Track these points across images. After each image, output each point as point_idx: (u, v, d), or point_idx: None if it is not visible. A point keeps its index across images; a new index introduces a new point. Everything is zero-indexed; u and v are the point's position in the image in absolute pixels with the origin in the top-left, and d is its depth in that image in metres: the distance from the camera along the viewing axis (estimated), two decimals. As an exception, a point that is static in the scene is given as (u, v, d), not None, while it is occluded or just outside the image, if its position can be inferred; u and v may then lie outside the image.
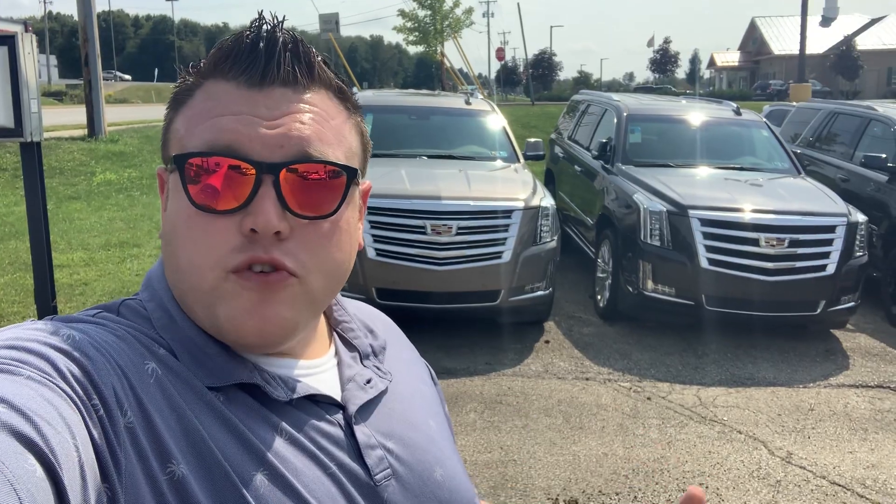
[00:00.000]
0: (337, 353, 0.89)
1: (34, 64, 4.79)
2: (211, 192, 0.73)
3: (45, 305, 4.84)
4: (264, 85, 0.76)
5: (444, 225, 5.61)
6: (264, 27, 0.77)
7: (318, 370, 0.84)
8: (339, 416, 0.81)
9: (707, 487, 3.93)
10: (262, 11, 0.79)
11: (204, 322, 0.76)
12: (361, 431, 0.81)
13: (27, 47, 4.60)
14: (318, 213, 0.76)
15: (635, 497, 3.82)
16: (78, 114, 17.60)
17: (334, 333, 0.92)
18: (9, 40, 4.50)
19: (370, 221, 5.61)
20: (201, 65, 0.80)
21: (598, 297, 6.85)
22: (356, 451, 0.79)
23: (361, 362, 0.90)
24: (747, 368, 5.63)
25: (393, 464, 0.81)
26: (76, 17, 14.85)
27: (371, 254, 5.58)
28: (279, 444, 0.74)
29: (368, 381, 0.87)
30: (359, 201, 0.85)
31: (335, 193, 0.77)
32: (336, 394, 0.83)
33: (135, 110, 30.87)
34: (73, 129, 16.09)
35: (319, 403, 0.80)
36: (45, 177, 4.90)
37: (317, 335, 0.86)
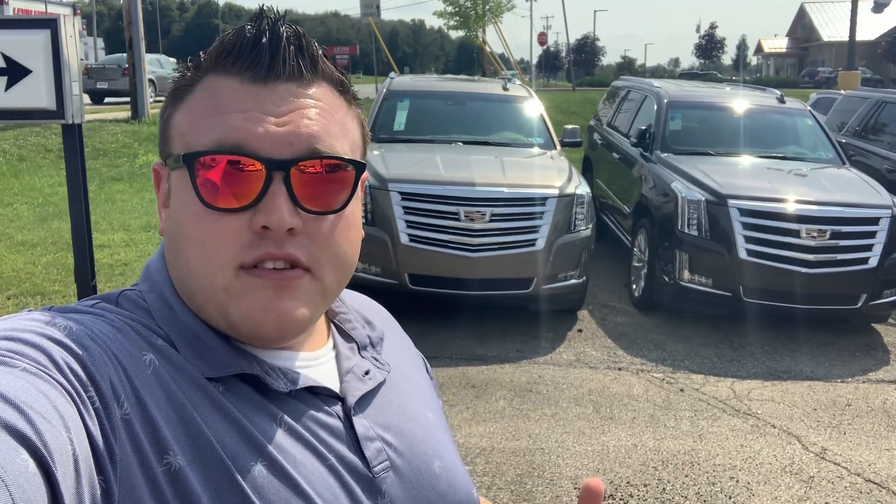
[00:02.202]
0: (335, 344, 0.89)
1: (76, 46, 4.86)
2: (221, 191, 0.73)
3: (85, 285, 4.93)
4: (269, 80, 0.75)
5: (477, 211, 5.59)
6: (266, 21, 0.76)
7: (317, 362, 0.84)
8: (338, 408, 0.81)
9: (738, 481, 3.88)
10: (263, 5, 0.79)
11: (217, 320, 0.76)
12: (360, 423, 0.81)
13: (69, 30, 4.67)
14: (329, 209, 0.76)
15: (664, 489, 3.79)
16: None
17: (332, 325, 0.92)
18: (51, 23, 4.58)
19: (404, 207, 5.61)
20: (201, 59, 0.79)
21: (634, 286, 6.78)
22: (355, 443, 0.79)
23: (359, 353, 0.90)
24: (784, 362, 5.53)
25: (391, 456, 0.81)
26: (122, 0, 15.05)
27: (404, 240, 5.59)
28: (278, 434, 0.74)
29: (367, 373, 0.87)
30: (360, 192, 0.85)
31: (344, 188, 0.78)
32: (335, 385, 0.83)
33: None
34: (118, 112, 16.36)
35: (318, 395, 0.80)
36: (88, 158, 5.00)
37: (316, 327, 0.86)
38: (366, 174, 0.88)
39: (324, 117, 0.77)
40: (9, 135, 13.14)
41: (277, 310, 0.74)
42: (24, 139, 13.05)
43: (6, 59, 4.52)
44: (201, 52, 0.80)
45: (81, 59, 5.10)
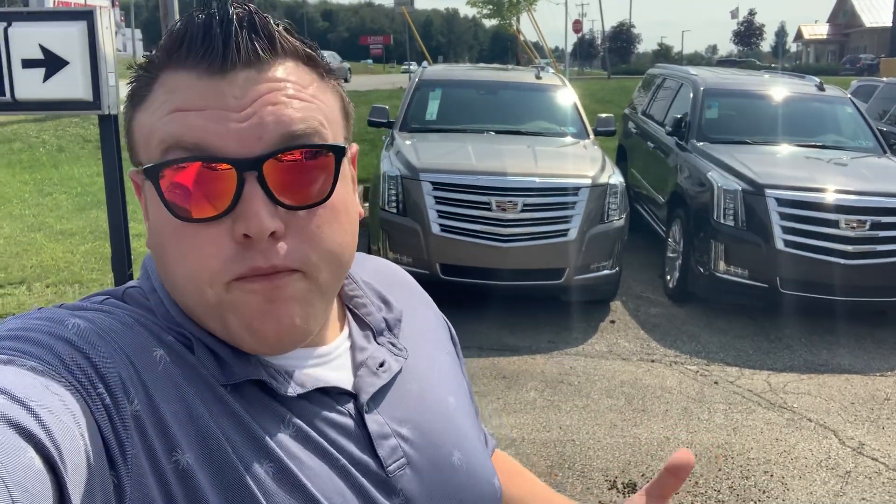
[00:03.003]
0: (350, 333, 0.85)
1: (112, 38, 4.92)
2: (192, 202, 0.68)
3: (122, 274, 5.00)
4: (226, 70, 0.69)
5: (509, 201, 5.56)
6: (215, 3, 0.70)
7: (329, 357, 0.81)
8: (350, 406, 0.78)
9: (773, 476, 3.83)
10: None
11: (218, 331, 0.73)
12: (374, 420, 0.79)
13: (105, 21, 4.73)
14: (312, 201, 0.71)
15: (696, 483, 3.75)
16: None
17: (347, 311, 0.88)
18: (88, 15, 4.63)
19: (435, 197, 5.60)
20: (155, 55, 0.73)
21: (668, 277, 6.70)
22: (368, 442, 0.77)
23: (375, 340, 0.87)
24: (821, 355, 5.44)
25: (407, 451, 0.79)
26: (158, -8, 15.18)
27: (436, 229, 5.58)
28: (286, 437, 0.72)
29: (381, 365, 0.83)
30: (350, 170, 0.80)
31: (326, 175, 0.72)
32: (347, 382, 0.80)
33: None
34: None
35: (330, 393, 0.78)
36: (125, 148, 5.06)
37: (329, 317, 0.83)
38: (355, 147, 0.83)
39: (291, 98, 0.70)
40: (49, 125, 13.36)
41: (273, 316, 0.70)
42: (63, 130, 13.27)
43: (44, 50, 4.59)
44: (154, 48, 0.74)
45: (118, 51, 5.16)
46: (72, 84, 4.63)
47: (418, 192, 5.61)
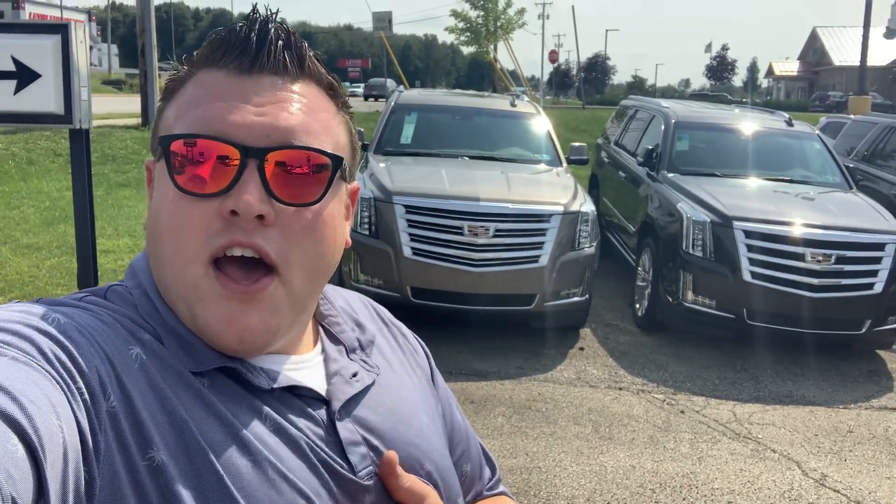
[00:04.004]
0: (324, 348, 0.88)
1: (86, 52, 4.89)
2: (195, 177, 0.73)
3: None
4: (254, 72, 0.76)
5: (481, 226, 5.58)
6: (258, 18, 0.77)
7: (304, 365, 0.83)
8: (322, 412, 0.80)
9: (736, 506, 3.84)
10: (256, 4, 0.79)
11: (185, 318, 0.76)
12: (345, 428, 0.80)
13: (80, 36, 4.70)
14: (302, 201, 0.75)
15: (661, 512, 3.75)
16: (134, 103, 17.97)
17: (320, 328, 0.91)
18: (62, 28, 4.60)
19: (407, 220, 5.60)
20: (195, 56, 0.80)
21: (637, 305, 6.75)
22: (339, 448, 0.78)
23: (348, 356, 0.89)
24: (786, 386, 5.49)
25: (376, 461, 0.80)
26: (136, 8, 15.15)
27: (407, 252, 5.58)
28: (263, 430, 0.73)
29: (354, 375, 0.86)
30: (346, 199, 0.85)
31: (320, 182, 0.76)
32: (321, 388, 0.82)
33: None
34: (129, 118, 16.44)
35: (303, 398, 0.79)
36: (96, 163, 5.03)
37: (303, 331, 0.85)
38: (356, 184, 0.87)
39: (305, 113, 0.76)
40: (19, 138, 13.21)
41: (242, 323, 0.73)
42: (33, 143, 13.12)
43: (16, 62, 4.55)
44: (196, 50, 0.81)
45: (93, 65, 5.12)
46: (43, 97, 4.58)
47: (391, 214, 5.61)
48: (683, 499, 3.88)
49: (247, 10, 0.91)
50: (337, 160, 0.77)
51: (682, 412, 4.93)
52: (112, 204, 10.06)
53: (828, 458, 4.44)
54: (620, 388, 5.26)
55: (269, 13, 0.78)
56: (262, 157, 0.73)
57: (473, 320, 5.95)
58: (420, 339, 1.07)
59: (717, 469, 4.21)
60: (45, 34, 4.58)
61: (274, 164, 0.73)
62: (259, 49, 0.76)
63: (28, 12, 24.78)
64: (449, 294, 5.63)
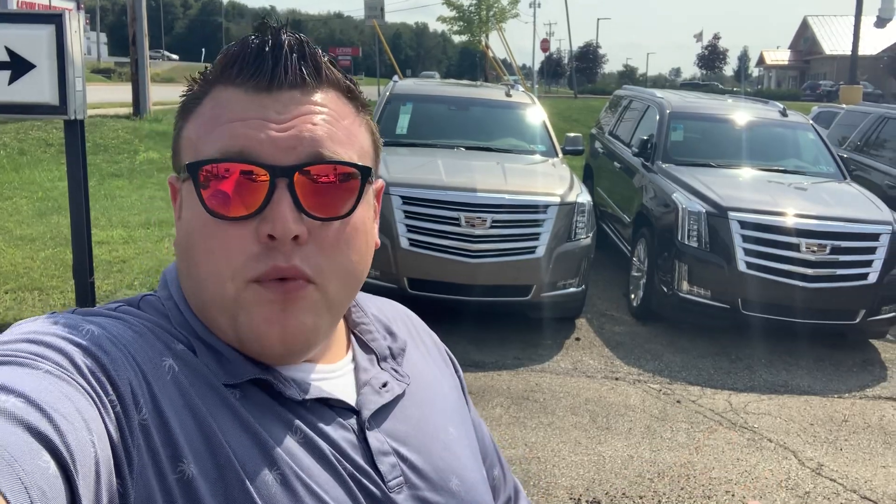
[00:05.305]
0: (354, 356, 0.88)
1: (80, 42, 4.85)
2: (225, 199, 0.73)
3: (83, 281, 4.91)
4: (272, 89, 0.75)
5: (478, 217, 5.58)
6: (269, 31, 0.77)
7: (334, 374, 0.83)
8: (353, 421, 0.81)
9: (733, 496, 3.87)
10: (265, 16, 0.79)
11: (227, 332, 0.76)
12: (375, 437, 0.81)
13: (74, 25, 4.66)
14: (335, 214, 0.76)
15: (659, 501, 3.77)
16: (125, 92, 17.85)
17: (352, 336, 0.91)
18: (56, 18, 4.56)
19: (404, 211, 5.60)
20: (208, 72, 0.80)
21: (632, 296, 6.77)
22: (369, 457, 0.79)
23: (378, 365, 0.89)
24: (781, 375, 5.53)
25: (406, 471, 0.81)
26: (126, -3, 15.02)
27: (404, 244, 5.58)
28: (292, 443, 0.74)
29: (384, 385, 0.86)
30: (373, 200, 0.85)
31: (350, 193, 0.77)
32: (351, 398, 0.82)
33: (180, 90, 31.23)
34: (119, 108, 16.34)
35: (333, 408, 0.80)
36: (88, 154, 4.98)
37: (335, 339, 0.86)
38: (380, 182, 0.88)
39: (328, 123, 0.76)
40: (10, 128, 13.12)
41: (282, 323, 0.74)
42: (24, 133, 13.03)
43: (10, 53, 4.51)
44: (208, 65, 0.81)
45: (85, 55, 5.08)
46: (38, 87, 4.55)
47: (388, 205, 5.60)
48: (682, 488, 3.91)
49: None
50: (365, 170, 0.78)
51: (679, 402, 4.96)
52: (105, 195, 10.02)
53: (823, 447, 4.48)
54: (617, 379, 5.28)
55: (281, 23, 0.78)
56: (290, 176, 0.73)
57: (470, 311, 5.95)
58: (452, 354, 1.09)
59: (715, 458, 4.24)
60: (40, 24, 4.54)
61: (304, 181, 0.74)
62: (275, 65, 0.75)
63: (17, 1, 24.51)
64: (446, 285, 5.64)
